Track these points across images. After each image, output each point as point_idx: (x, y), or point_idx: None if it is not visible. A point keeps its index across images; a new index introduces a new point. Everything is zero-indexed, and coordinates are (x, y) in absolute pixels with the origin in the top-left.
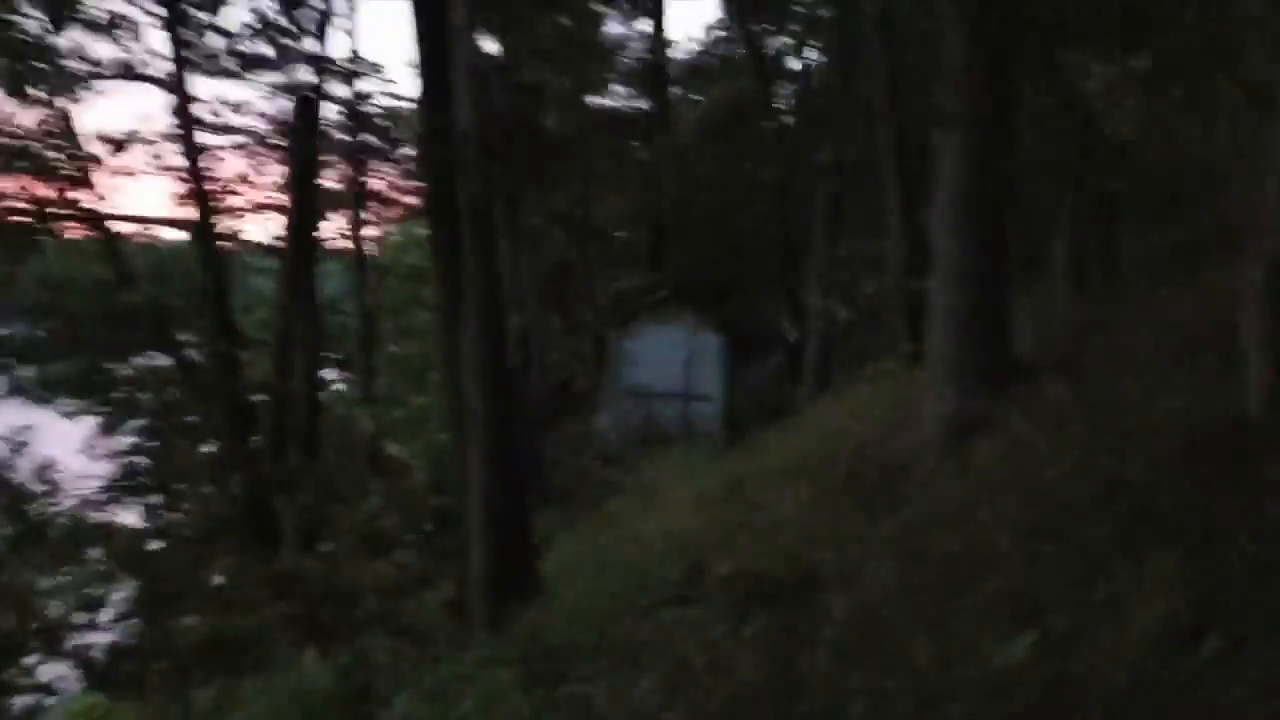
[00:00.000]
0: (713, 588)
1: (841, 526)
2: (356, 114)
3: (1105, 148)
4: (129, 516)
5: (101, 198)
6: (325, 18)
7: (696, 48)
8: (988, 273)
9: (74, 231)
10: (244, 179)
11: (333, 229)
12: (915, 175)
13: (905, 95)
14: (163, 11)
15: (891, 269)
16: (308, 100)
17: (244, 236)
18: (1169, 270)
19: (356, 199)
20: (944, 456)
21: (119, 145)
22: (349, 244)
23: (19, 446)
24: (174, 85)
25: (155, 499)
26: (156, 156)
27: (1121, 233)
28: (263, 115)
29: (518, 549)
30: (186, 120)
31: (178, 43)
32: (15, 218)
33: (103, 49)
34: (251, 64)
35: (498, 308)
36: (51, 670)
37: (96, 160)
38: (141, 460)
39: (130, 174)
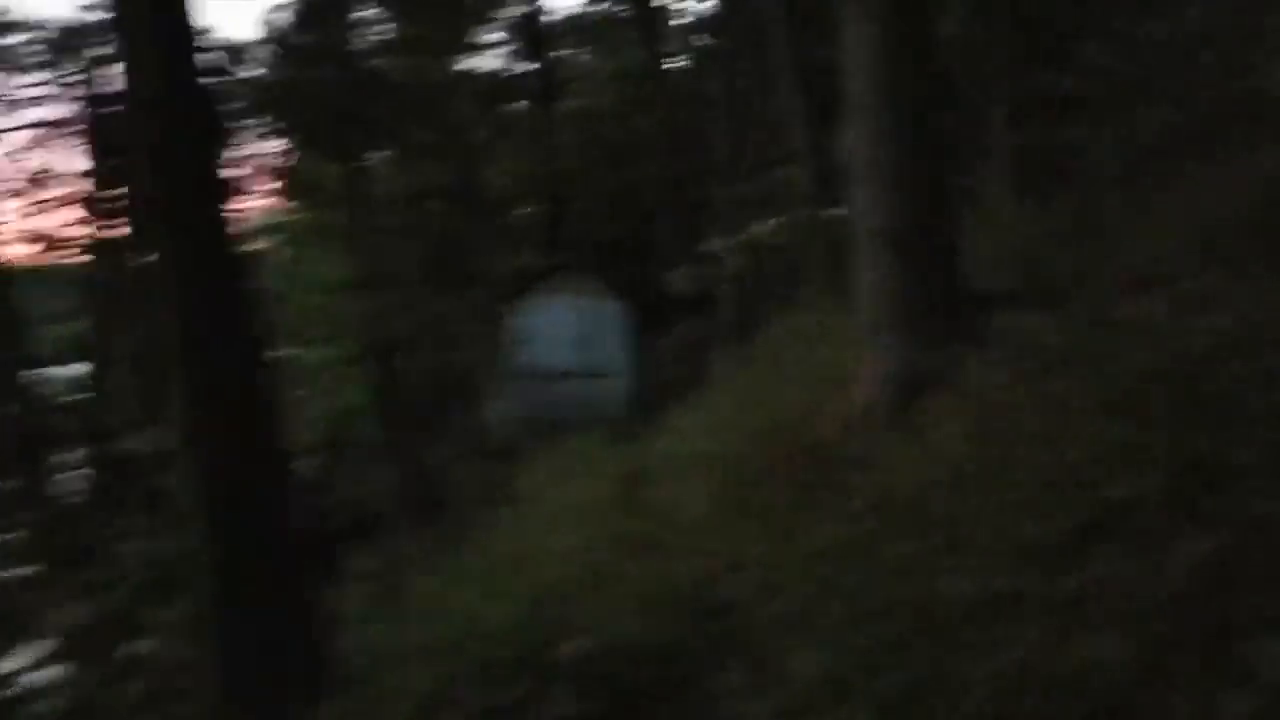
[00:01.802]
0: (557, 679)
1: (764, 538)
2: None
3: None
4: None
5: None
6: None
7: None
8: (923, 180)
9: None
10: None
11: None
12: (821, 87)
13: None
14: None
15: (803, 198)
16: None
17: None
18: (1138, 169)
19: None
20: (890, 427)
21: None
22: None
23: None
24: None
25: None
26: None
27: (1069, 131)
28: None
29: (285, 636)
30: None
31: None
32: None
33: None
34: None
35: (217, 273)
36: None
37: None
38: None
39: None
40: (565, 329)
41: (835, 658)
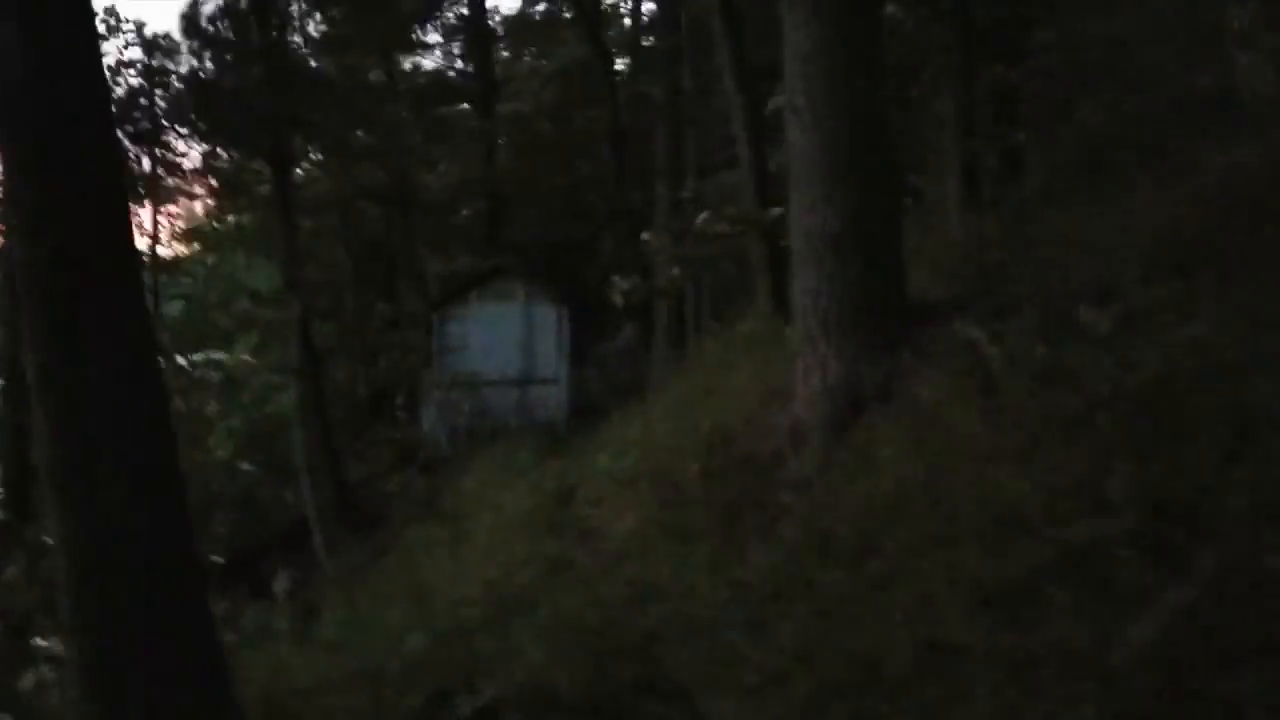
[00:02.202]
0: None
1: (692, 565)
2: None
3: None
4: None
5: None
6: None
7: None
8: (864, 181)
9: None
10: None
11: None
12: (764, 89)
13: None
14: None
15: (746, 201)
16: None
17: None
18: (1089, 170)
19: None
20: (829, 446)
21: None
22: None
23: None
24: None
25: None
26: None
27: (1020, 131)
28: None
29: (174, 673)
30: None
31: None
32: None
33: None
34: None
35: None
36: None
37: None
38: None
39: None
40: (502, 335)
41: (762, 712)
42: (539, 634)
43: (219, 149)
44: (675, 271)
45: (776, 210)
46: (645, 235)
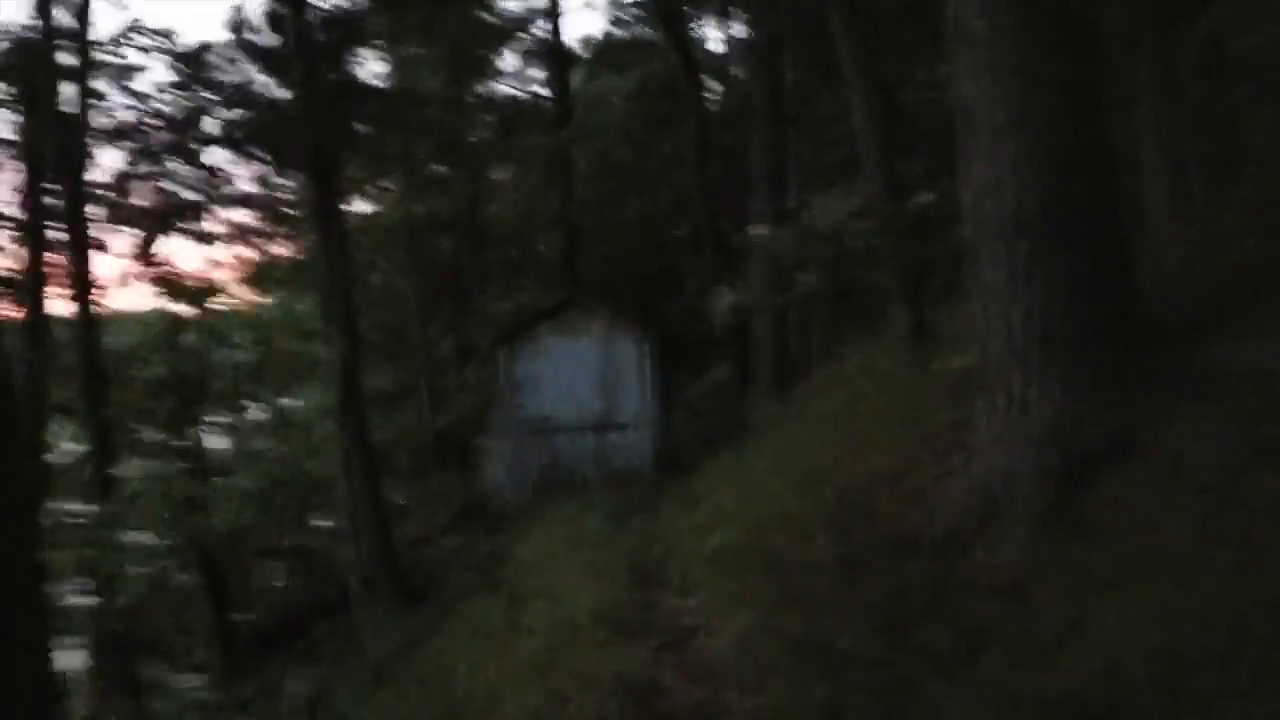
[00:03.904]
0: None
1: (835, 708)
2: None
3: None
4: None
5: None
6: None
7: (605, 27)
8: (1075, 136)
9: None
10: None
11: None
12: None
13: None
14: None
15: (866, 196)
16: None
17: None
18: None
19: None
20: (1043, 526)
21: None
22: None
23: None
24: None
25: None
26: None
27: (1238, 102)
28: None
29: None
30: None
31: None
32: None
33: None
34: None
35: None
36: None
37: None
38: None
39: None
40: (579, 373)
41: None
42: None
43: (250, 159)
44: (806, 277)
45: (926, 198)
46: (753, 230)
